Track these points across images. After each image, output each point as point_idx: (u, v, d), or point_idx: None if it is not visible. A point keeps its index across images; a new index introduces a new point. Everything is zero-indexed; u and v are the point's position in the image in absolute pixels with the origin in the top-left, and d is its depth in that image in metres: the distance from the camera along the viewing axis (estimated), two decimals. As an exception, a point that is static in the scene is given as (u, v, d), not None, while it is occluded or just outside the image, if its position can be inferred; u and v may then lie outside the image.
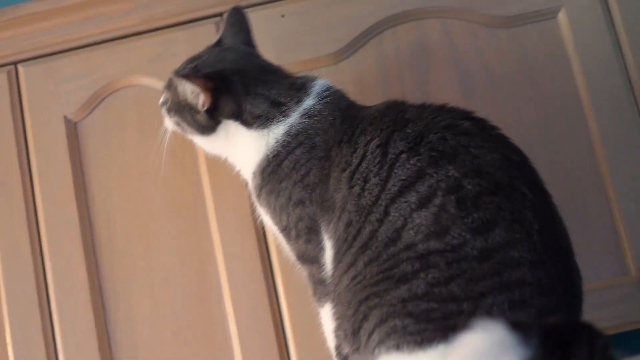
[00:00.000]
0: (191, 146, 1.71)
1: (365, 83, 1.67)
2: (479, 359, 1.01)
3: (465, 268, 1.17)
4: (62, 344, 1.68)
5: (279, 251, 1.62)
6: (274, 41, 1.75)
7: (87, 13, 1.80)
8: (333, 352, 1.38)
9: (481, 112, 1.35)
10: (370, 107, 1.45)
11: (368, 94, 1.55)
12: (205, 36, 1.75)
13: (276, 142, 1.44)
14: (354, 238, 1.28)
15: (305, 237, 1.40)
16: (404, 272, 1.19)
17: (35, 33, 1.80)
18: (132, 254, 1.72)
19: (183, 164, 1.75)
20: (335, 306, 1.31)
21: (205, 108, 1.47)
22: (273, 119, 1.45)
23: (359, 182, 1.30)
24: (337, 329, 1.29)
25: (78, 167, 1.76)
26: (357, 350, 1.24)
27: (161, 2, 1.80)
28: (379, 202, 1.26)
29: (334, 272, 1.33)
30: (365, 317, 1.22)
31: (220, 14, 1.78)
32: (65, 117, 1.77)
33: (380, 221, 1.25)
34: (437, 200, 1.21)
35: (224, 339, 1.66)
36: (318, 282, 1.42)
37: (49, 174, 1.75)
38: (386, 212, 1.24)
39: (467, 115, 1.34)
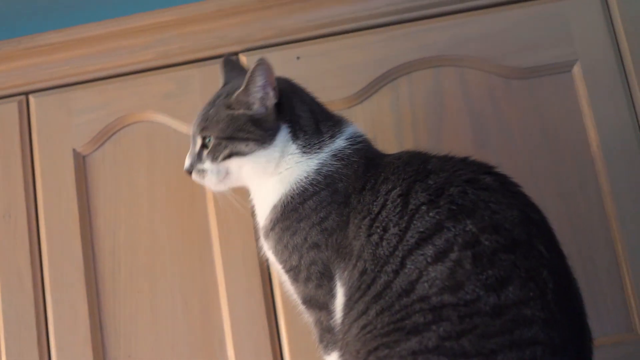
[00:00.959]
0: (200, 186, 1.70)
1: (379, 128, 1.66)
2: None
3: (478, 323, 1.15)
4: (59, 381, 1.65)
5: (283, 294, 1.60)
6: (288, 82, 1.74)
7: (103, 46, 1.79)
8: None
9: (494, 162, 1.35)
10: (392, 155, 1.44)
11: (381, 139, 1.54)
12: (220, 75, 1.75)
13: (306, 178, 1.42)
14: (368, 287, 1.26)
15: (316, 282, 1.38)
16: (415, 324, 1.18)
17: (49, 64, 1.80)
18: (135, 292, 1.70)
19: (191, 202, 1.73)
20: (342, 355, 1.29)
21: (275, 101, 1.44)
22: (311, 147, 1.44)
23: (378, 230, 1.29)
24: None
25: (85, 200, 1.74)
26: None
27: (178, 38, 1.80)
28: (396, 252, 1.25)
29: (343, 320, 1.31)
30: None
31: (236, 53, 1.78)
32: (74, 150, 1.76)
33: (396, 272, 1.23)
34: (454, 255, 1.20)
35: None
36: (325, 330, 1.39)
37: (54, 206, 1.73)
38: (402, 264, 1.23)
39: (488, 170, 1.33)
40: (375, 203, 1.33)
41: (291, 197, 1.42)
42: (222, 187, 1.49)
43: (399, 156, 1.41)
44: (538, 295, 1.18)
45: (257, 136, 1.44)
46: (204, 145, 1.47)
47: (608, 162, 1.69)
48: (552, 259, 1.24)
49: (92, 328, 1.67)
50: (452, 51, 1.76)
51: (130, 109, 1.77)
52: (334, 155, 1.43)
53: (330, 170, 1.41)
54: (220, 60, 1.61)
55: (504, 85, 1.75)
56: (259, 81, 1.43)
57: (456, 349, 1.15)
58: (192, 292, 1.68)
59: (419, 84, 1.75)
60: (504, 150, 1.71)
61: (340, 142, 1.45)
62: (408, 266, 1.23)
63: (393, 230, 1.27)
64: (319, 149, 1.44)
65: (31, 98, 1.79)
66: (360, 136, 1.47)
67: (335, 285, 1.36)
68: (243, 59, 1.78)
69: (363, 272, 1.28)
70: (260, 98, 1.44)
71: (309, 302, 1.41)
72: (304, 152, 1.44)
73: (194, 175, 1.48)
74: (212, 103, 1.50)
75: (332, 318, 1.37)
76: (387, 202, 1.31)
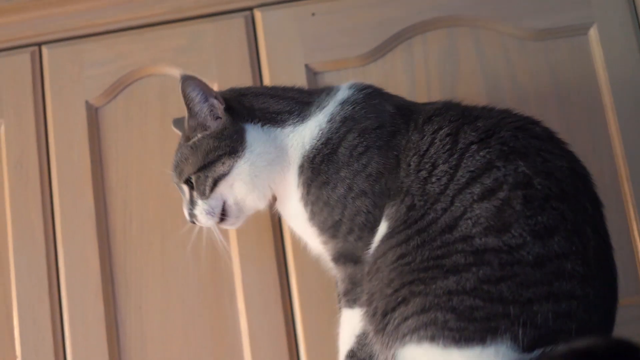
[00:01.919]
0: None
1: (392, 87, 1.64)
2: None
3: (518, 272, 1.15)
4: (70, 330, 1.66)
5: (294, 247, 1.62)
6: (303, 39, 1.74)
7: (117, -2, 1.78)
8: (342, 357, 1.37)
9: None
10: (424, 103, 1.45)
11: (394, 99, 1.54)
12: (233, 30, 1.75)
13: (320, 131, 1.41)
14: (415, 221, 1.25)
15: (357, 234, 1.36)
16: (455, 264, 1.18)
17: (63, 15, 1.79)
18: (146, 245, 1.70)
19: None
20: (370, 280, 1.28)
21: (223, 105, 1.42)
22: (306, 113, 1.44)
23: (427, 167, 1.29)
24: (367, 304, 1.27)
25: (97, 153, 1.75)
26: (381, 330, 1.23)
27: (192, -8, 1.78)
28: (447, 191, 1.25)
29: (378, 246, 1.30)
30: (404, 301, 1.20)
31: (250, 8, 1.77)
32: (87, 101, 1.76)
33: (445, 210, 1.23)
34: (502, 194, 1.20)
35: (234, 335, 1.65)
36: (357, 283, 1.36)
37: (66, 158, 1.74)
38: (452, 202, 1.23)
39: (536, 122, 1.34)
40: (422, 141, 1.32)
41: (316, 150, 1.40)
42: (233, 221, 1.46)
43: (432, 103, 1.42)
44: (580, 251, 1.19)
45: (226, 149, 1.41)
46: (191, 189, 1.44)
47: (622, 125, 1.68)
48: (595, 216, 1.25)
49: (103, 279, 1.68)
50: (468, 11, 1.75)
51: (142, 62, 1.77)
52: (342, 103, 1.43)
53: (346, 114, 1.41)
54: (236, 13, 1.59)
55: (519, 46, 1.73)
56: (196, 96, 1.42)
57: (493, 294, 1.15)
58: (202, 247, 1.68)
59: (434, 43, 1.74)
60: (517, 111, 1.70)
61: (342, 94, 1.45)
62: (455, 204, 1.23)
63: (442, 167, 1.27)
64: (318, 108, 1.44)
65: (44, 49, 1.79)
66: (368, 85, 1.47)
67: (374, 239, 1.34)
68: (258, 14, 1.76)
69: (411, 207, 1.28)
70: (209, 112, 1.43)
71: (344, 257, 1.38)
72: (301, 121, 1.43)
73: (198, 222, 1.46)
74: (177, 151, 1.48)
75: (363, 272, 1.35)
76: (435, 141, 1.31)
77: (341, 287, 1.40)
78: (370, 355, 1.31)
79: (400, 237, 1.26)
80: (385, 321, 1.22)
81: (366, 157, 1.36)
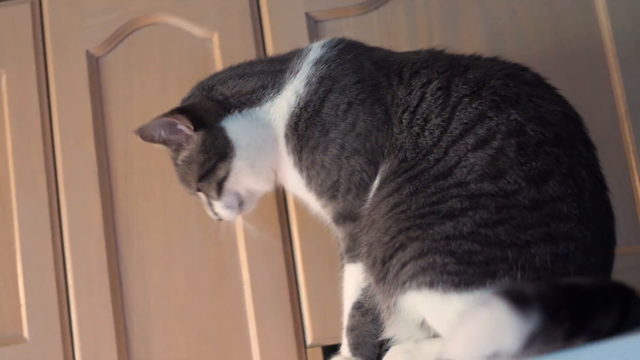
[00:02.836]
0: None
1: (393, 36, 1.65)
2: (477, 340, 0.98)
3: (515, 215, 1.16)
4: (73, 279, 1.68)
5: (295, 197, 1.61)
6: (302, -13, 1.73)
7: (117, -56, 1.77)
8: (349, 310, 1.37)
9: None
10: (405, 52, 1.43)
11: (396, 48, 1.52)
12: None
13: (298, 97, 1.40)
14: (405, 171, 1.26)
15: (355, 192, 1.35)
16: (451, 209, 1.18)
17: (62, -37, 1.77)
18: (148, 193, 1.71)
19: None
20: (367, 232, 1.28)
21: (191, 126, 1.41)
22: (281, 81, 1.42)
23: (419, 122, 1.28)
24: (367, 255, 1.27)
25: (98, 102, 1.75)
26: (382, 279, 1.23)
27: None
28: (440, 143, 1.24)
29: (372, 198, 1.30)
30: (402, 246, 1.20)
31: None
32: (87, 51, 1.76)
33: (438, 160, 1.23)
34: (496, 143, 1.20)
35: (236, 283, 1.66)
36: (357, 240, 1.35)
37: (68, 108, 1.74)
38: (445, 153, 1.23)
39: (525, 68, 1.33)
40: (411, 96, 1.32)
41: (296, 117, 1.39)
42: (250, 205, 1.50)
43: (415, 53, 1.41)
44: (576, 193, 1.19)
45: (215, 156, 1.42)
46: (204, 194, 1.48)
47: (624, 73, 1.67)
48: (589, 159, 1.25)
49: (105, 229, 1.69)
50: (471, -44, 1.73)
51: (143, 11, 1.76)
52: (316, 63, 1.41)
53: (322, 74, 1.39)
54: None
55: (522, -6, 1.72)
56: (160, 135, 1.45)
57: (491, 237, 1.15)
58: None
59: (435, -10, 1.73)
60: (519, 60, 1.68)
61: (314, 53, 1.43)
62: (449, 154, 1.23)
63: (435, 120, 1.27)
64: (291, 74, 1.42)
65: (44, -1, 1.78)
66: (340, 40, 1.44)
67: (369, 195, 1.34)
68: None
69: (403, 160, 1.28)
70: (182, 137, 1.44)
71: (344, 217, 1.38)
72: (277, 91, 1.42)
73: (224, 218, 1.50)
74: (175, 168, 1.50)
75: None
76: (426, 95, 1.30)
77: (342, 245, 1.40)
78: (377, 305, 1.31)
79: (391, 186, 1.26)
80: (385, 269, 1.22)
81: (352, 115, 1.36)
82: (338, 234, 1.42)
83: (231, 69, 1.50)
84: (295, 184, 1.44)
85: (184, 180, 1.48)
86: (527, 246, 1.14)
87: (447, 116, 1.26)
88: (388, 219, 1.23)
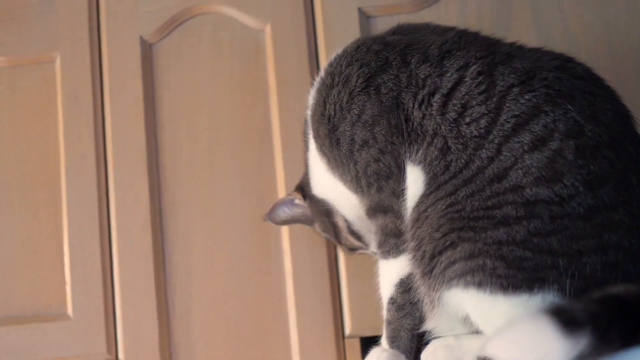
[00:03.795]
0: (263, 80, 1.73)
1: (444, 35, 1.64)
2: (521, 347, 0.98)
3: (569, 225, 1.14)
4: (118, 261, 1.71)
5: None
6: (356, -17, 1.74)
7: None
8: (385, 304, 1.38)
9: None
10: (425, 28, 1.43)
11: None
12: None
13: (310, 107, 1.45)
14: (460, 170, 1.22)
15: (376, 185, 1.35)
16: (506, 216, 1.16)
17: (120, -51, 1.80)
18: (194, 181, 1.73)
19: (253, 99, 1.75)
20: (419, 227, 1.26)
21: (304, 201, 1.56)
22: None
23: (456, 107, 1.25)
24: (416, 249, 1.26)
25: (150, 89, 1.77)
26: (428, 273, 1.22)
27: None
28: (491, 137, 1.21)
29: (427, 196, 1.26)
30: (453, 245, 1.19)
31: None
32: (141, 37, 1.78)
33: (491, 159, 1.20)
34: (554, 144, 1.17)
35: (278, 272, 1.68)
36: (390, 234, 1.35)
37: (120, 92, 1.76)
38: (499, 151, 1.20)
39: (571, 59, 1.29)
40: (443, 78, 1.28)
41: (312, 124, 1.44)
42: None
43: (440, 31, 1.39)
44: (627, 200, 1.16)
45: (326, 216, 1.54)
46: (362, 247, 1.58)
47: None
48: (638, 161, 1.22)
49: (151, 212, 1.71)
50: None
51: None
52: (325, 70, 1.43)
53: (323, 76, 1.42)
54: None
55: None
56: (288, 218, 1.60)
57: (543, 246, 1.14)
58: (250, 186, 1.72)
59: (488, -10, 1.73)
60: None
61: (326, 64, 1.45)
62: (504, 153, 1.19)
63: (479, 109, 1.23)
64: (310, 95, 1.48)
65: (100, -17, 1.81)
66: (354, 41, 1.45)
67: (396, 185, 1.33)
68: None
69: (445, 150, 1.24)
70: (303, 212, 1.58)
71: (373, 209, 1.38)
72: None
73: (367, 246, 1.56)
74: None
75: (398, 220, 1.33)
76: (465, 79, 1.26)
77: (375, 239, 1.40)
78: (410, 301, 1.32)
79: (448, 187, 1.23)
80: (433, 264, 1.22)
81: (356, 104, 1.35)
82: (372, 227, 1.41)
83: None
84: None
85: (340, 246, 1.61)
86: (579, 256, 1.13)
87: (493, 106, 1.22)
88: (442, 217, 1.22)
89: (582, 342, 0.94)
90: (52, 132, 1.77)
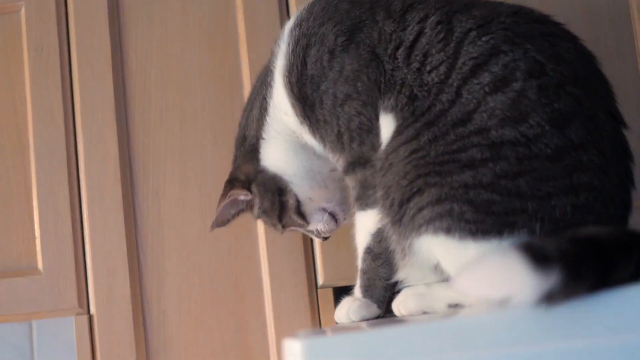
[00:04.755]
0: (233, 29, 1.71)
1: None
2: (490, 281, 0.97)
3: (536, 166, 1.12)
4: (88, 213, 1.69)
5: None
6: None
7: None
8: (360, 254, 1.37)
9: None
10: None
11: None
12: None
13: (283, 71, 1.40)
14: (422, 114, 1.22)
15: (359, 139, 1.33)
16: (471, 158, 1.14)
17: None
18: (165, 130, 1.71)
19: (224, 46, 1.73)
20: (384, 175, 1.26)
21: (245, 190, 1.49)
22: (270, 77, 1.44)
23: (418, 57, 1.25)
24: (384, 197, 1.25)
25: (117, 36, 1.74)
26: (398, 221, 1.22)
27: None
28: (450, 81, 1.20)
29: (390, 142, 1.26)
30: (420, 191, 1.18)
31: None
32: (107, -16, 1.75)
33: (452, 102, 1.19)
34: (517, 85, 1.15)
35: (251, 222, 1.65)
36: (369, 186, 1.34)
37: (87, 41, 1.73)
38: (458, 94, 1.19)
39: (532, 10, 1.28)
40: (407, 32, 1.28)
41: (290, 84, 1.39)
42: (342, 207, 1.51)
43: None
44: (597, 139, 1.15)
45: (275, 196, 1.48)
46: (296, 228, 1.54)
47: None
48: (607, 98, 1.21)
49: (121, 164, 1.70)
50: None
51: (165, -57, 1.74)
52: (291, 32, 1.40)
53: (297, 37, 1.39)
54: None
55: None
56: (234, 210, 1.53)
57: (511, 189, 1.12)
58: (221, 133, 1.69)
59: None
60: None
61: (287, 25, 1.42)
62: (465, 96, 1.18)
63: (438, 56, 1.22)
64: (274, 60, 1.43)
65: None
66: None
67: (376, 137, 1.32)
68: None
69: (412, 97, 1.24)
70: (243, 203, 1.52)
71: (354, 164, 1.36)
72: (269, 89, 1.45)
73: (331, 232, 1.52)
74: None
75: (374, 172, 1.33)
76: (425, 30, 1.26)
77: (353, 193, 1.39)
78: (386, 249, 1.31)
79: (409, 132, 1.23)
80: (402, 211, 1.21)
81: (337, 62, 1.34)
82: (349, 183, 1.40)
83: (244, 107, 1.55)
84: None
85: (273, 227, 1.53)
86: (548, 198, 1.11)
87: (451, 51, 1.21)
88: (407, 164, 1.21)
89: (552, 279, 0.91)
90: (18, 83, 1.75)
